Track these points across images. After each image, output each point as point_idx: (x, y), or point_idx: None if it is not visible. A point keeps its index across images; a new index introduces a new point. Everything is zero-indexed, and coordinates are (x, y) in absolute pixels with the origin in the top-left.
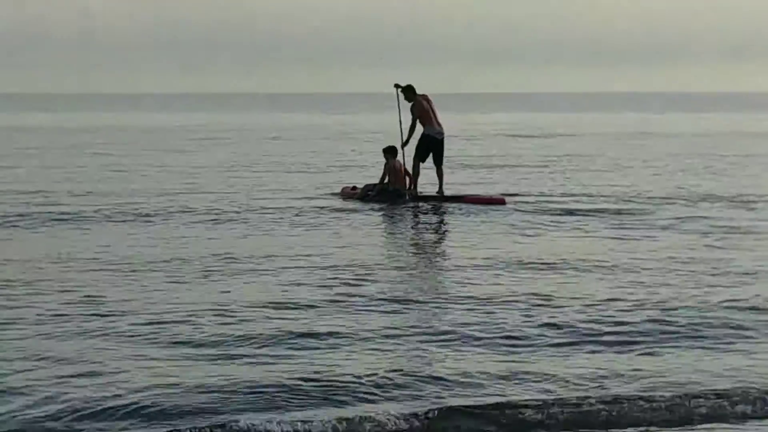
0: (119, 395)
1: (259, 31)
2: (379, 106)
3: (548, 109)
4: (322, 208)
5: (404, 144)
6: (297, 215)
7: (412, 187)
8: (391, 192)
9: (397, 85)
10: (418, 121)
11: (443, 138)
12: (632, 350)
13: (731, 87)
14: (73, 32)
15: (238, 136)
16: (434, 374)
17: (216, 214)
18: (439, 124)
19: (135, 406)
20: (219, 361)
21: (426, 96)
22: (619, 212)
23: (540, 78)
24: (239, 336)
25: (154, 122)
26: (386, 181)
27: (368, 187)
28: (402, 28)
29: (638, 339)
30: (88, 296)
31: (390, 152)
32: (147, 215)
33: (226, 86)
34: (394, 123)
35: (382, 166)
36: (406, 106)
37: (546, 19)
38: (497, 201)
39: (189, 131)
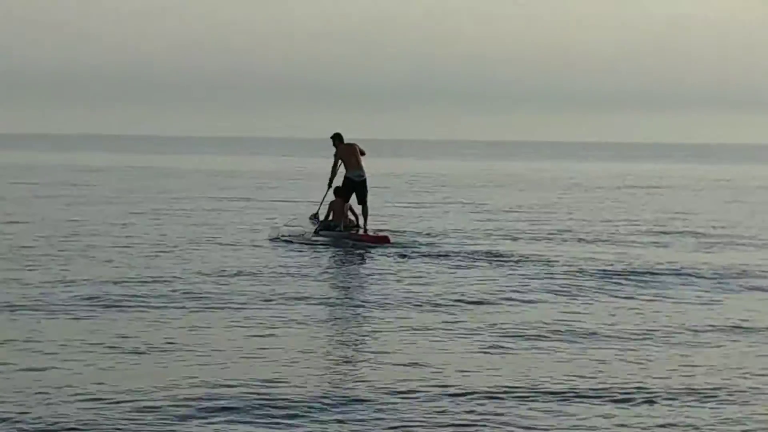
0: None
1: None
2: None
3: None
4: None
5: (329, 184)
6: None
7: (349, 222)
8: (332, 226)
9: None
10: (342, 164)
11: (363, 180)
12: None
13: None
14: None
15: None
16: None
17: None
18: (360, 168)
19: None
20: None
21: (352, 143)
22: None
23: None
24: None
25: None
26: (330, 218)
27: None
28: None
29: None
30: None
31: (340, 193)
32: None
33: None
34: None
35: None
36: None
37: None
38: (382, 240)
39: None
